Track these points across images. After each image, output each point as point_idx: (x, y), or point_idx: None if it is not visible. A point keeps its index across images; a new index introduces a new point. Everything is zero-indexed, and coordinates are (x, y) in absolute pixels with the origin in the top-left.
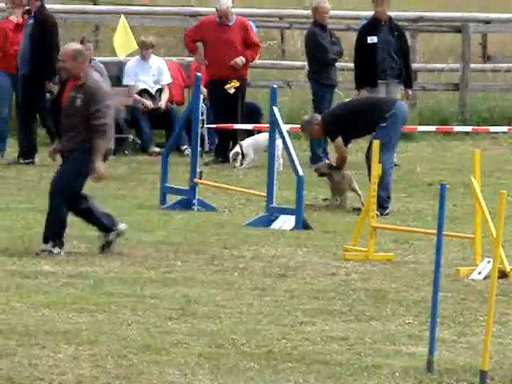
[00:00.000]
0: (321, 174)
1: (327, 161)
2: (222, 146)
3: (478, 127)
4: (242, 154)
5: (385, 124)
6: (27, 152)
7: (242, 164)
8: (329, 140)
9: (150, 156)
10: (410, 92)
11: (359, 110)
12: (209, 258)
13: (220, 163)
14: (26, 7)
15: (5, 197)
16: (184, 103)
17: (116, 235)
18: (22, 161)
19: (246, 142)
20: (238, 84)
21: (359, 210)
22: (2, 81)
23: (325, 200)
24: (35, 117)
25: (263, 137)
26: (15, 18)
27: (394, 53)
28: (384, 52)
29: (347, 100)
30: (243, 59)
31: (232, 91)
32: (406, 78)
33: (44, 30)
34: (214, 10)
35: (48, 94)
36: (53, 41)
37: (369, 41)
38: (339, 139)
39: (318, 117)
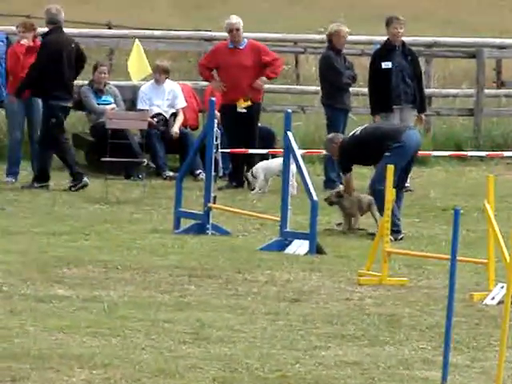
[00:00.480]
0: (331, 203)
1: (341, 186)
2: (236, 171)
3: (493, 153)
4: (253, 176)
5: (389, 154)
6: (42, 176)
7: (253, 189)
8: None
9: (164, 180)
10: (423, 117)
11: (367, 143)
12: (222, 283)
13: (234, 188)
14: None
15: (19, 220)
16: (198, 127)
17: None
18: (36, 185)
19: (257, 166)
20: (249, 103)
21: (373, 235)
22: (13, 105)
23: (338, 225)
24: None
25: (276, 162)
26: (26, 41)
27: (408, 78)
28: (398, 77)
29: (358, 132)
30: (264, 79)
31: (243, 110)
32: (420, 102)
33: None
34: (227, 34)
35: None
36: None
37: (383, 66)
38: (349, 175)
39: (341, 137)
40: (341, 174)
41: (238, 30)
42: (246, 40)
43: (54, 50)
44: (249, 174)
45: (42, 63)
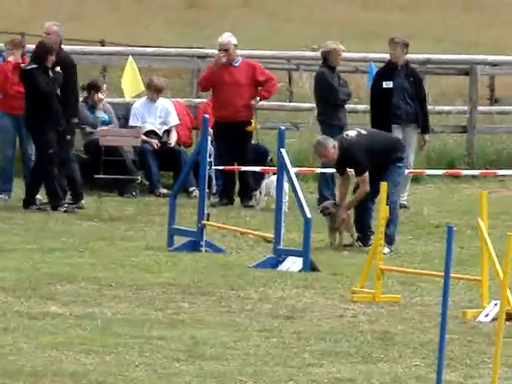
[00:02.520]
0: (328, 214)
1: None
2: (226, 189)
3: (486, 171)
4: (260, 193)
5: (401, 165)
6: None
7: (258, 203)
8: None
9: (157, 197)
10: (426, 138)
11: (375, 150)
12: (216, 300)
13: (224, 205)
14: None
15: (12, 237)
16: (192, 145)
17: None
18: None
19: (269, 182)
20: (259, 127)
21: (350, 245)
22: (4, 122)
23: (346, 246)
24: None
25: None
26: (13, 58)
27: (409, 98)
28: (399, 97)
29: (364, 132)
30: (258, 99)
31: (253, 130)
32: (423, 123)
33: (65, 71)
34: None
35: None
36: (74, 81)
37: (384, 85)
38: (367, 173)
39: (335, 141)
40: (359, 173)
41: (226, 50)
42: (240, 58)
43: (75, 67)
44: (257, 192)
45: (76, 81)
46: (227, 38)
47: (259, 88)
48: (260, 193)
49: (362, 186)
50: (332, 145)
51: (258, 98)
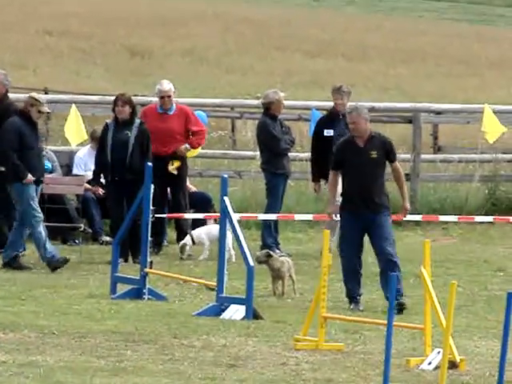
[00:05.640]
0: (260, 262)
1: (277, 251)
2: (158, 237)
3: (428, 215)
4: (193, 243)
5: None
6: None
7: (190, 254)
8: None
9: (100, 245)
10: None
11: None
12: (159, 348)
13: (155, 254)
14: None
15: None
16: None
17: None
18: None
19: (198, 231)
20: (179, 164)
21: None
22: None
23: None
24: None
25: (217, 226)
26: None
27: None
28: None
29: None
30: (188, 146)
31: (175, 172)
32: None
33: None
34: None
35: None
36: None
37: (325, 133)
38: None
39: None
40: (395, 160)
41: (169, 96)
42: (174, 105)
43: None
44: (186, 241)
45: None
46: (167, 85)
47: (190, 136)
48: (194, 242)
49: (401, 172)
50: (367, 116)
51: (188, 146)
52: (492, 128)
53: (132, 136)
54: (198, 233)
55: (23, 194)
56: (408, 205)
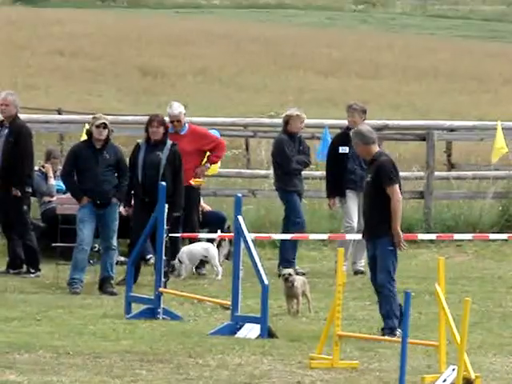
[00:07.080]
0: (286, 280)
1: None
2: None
3: (443, 234)
4: (180, 262)
5: (392, 248)
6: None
7: (179, 275)
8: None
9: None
10: None
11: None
12: (174, 367)
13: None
14: None
15: None
16: None
17: None
18: (11, 271)
19: (182, 251)
20: (202, 180)
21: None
22: None
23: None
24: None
25: (199, 246)
26: None
27: (364, 163)
28: (355, 162)
29: None
30: (206, 166)
31: (196, 185)
32: None
33: (19, 140)
34: None
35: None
36: (28, 150)
37: (340, 150)
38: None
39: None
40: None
41: (178, 121)
42: (187, 125)
43: (31, 136)
44: (176, 260)
45: (31, 150)
46: (177, 108)
47: (208, 154)
48: (180, 262)
49: (393, 199)
50: (367, 139)
51: (208, 165)
52: (498, 146)
53: (164, 157)
54: (181, 251)
55: None
56: (396, 229)
